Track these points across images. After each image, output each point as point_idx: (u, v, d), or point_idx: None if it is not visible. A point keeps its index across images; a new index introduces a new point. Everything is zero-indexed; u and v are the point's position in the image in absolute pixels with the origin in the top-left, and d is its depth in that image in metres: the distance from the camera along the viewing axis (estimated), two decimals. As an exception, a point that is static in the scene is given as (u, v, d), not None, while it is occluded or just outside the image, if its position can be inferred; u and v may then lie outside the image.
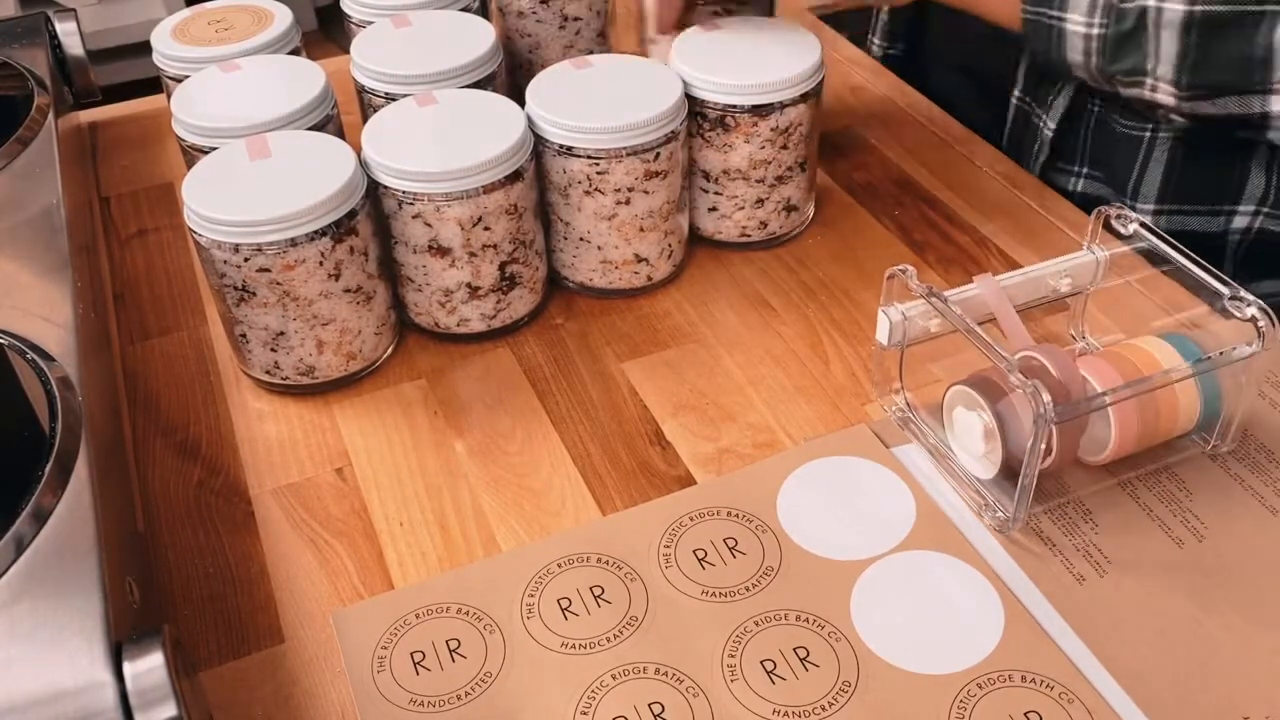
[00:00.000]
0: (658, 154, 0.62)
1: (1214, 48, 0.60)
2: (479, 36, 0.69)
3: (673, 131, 0.62)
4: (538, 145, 0.62)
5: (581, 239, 0.64)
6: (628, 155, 0.61)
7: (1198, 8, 0.60)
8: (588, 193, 0.62)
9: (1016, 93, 0.79)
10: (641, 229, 0.64)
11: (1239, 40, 0.60)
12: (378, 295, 0.61)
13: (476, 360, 0.63)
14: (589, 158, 0.61)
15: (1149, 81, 0.63)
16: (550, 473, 0.56)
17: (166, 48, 0.72)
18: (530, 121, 0.61)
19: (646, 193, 0.63)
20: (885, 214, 0.73)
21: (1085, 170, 0.77)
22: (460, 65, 0.67)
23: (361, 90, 0.69)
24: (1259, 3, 0.59)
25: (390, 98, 0.66)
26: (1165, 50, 0.61)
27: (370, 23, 0.73)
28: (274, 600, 0.51)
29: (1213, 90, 0.62)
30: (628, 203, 0.62)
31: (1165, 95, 0.63)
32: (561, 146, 0.61)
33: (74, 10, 0.83)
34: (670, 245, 0.66)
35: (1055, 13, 0.63)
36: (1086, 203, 0.73)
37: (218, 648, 0.49)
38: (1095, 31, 0.63)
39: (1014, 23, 0.66)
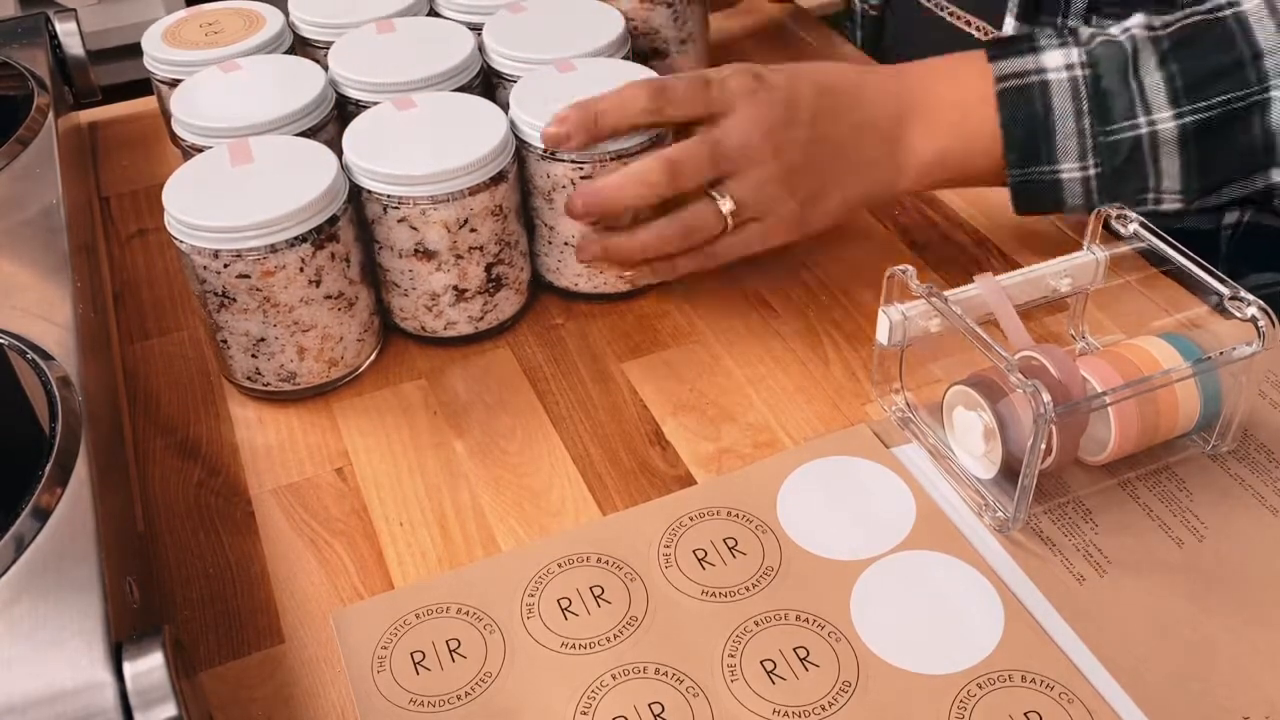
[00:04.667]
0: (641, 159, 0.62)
1: (1215, 150, 0.60)
2: (460, 43, 0.69)
3: (658, 135, 0.62)
4: (521, 150, 0.62)
5: (566, 244, 0.64)
6: (611, 159, 0.61)
7: (1187, 120, 0.59)
8: None
9: None
10: None
11: (1239, 136, 0.59)
12: (360, 301, 0.60)
13: (476, 360, 0.63)
14: (573, 162, 0.61)
15: (1152, 196, 0.62)
16: (550, 473, 0.56)
17: (157, 50, 0.72)
18: (513, 125, 0.61)
19: None
20: (885, 214, 0.73)
21: None
22: (443, 71, 0.66)
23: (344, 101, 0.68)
24: (1243, 98, 0.58)
25: (362, 106, 0.66)
26: (1167, 168, 0.60)
27: (330, 42, 0.71)
28: (274, 600, 0.51)
29: (1219, 184, 0.61)
30: None
31: (1171, 204, 0.62)
32: (546, 150, 0.61)
33: (74, 10, 0.83)
34: None
35: (1046, 167, 0.62)
36: None
37: (218, 648, 0.49)
38: (1091, 173, 0.61)
39: (1000, 183, 0.64)
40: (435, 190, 0.58)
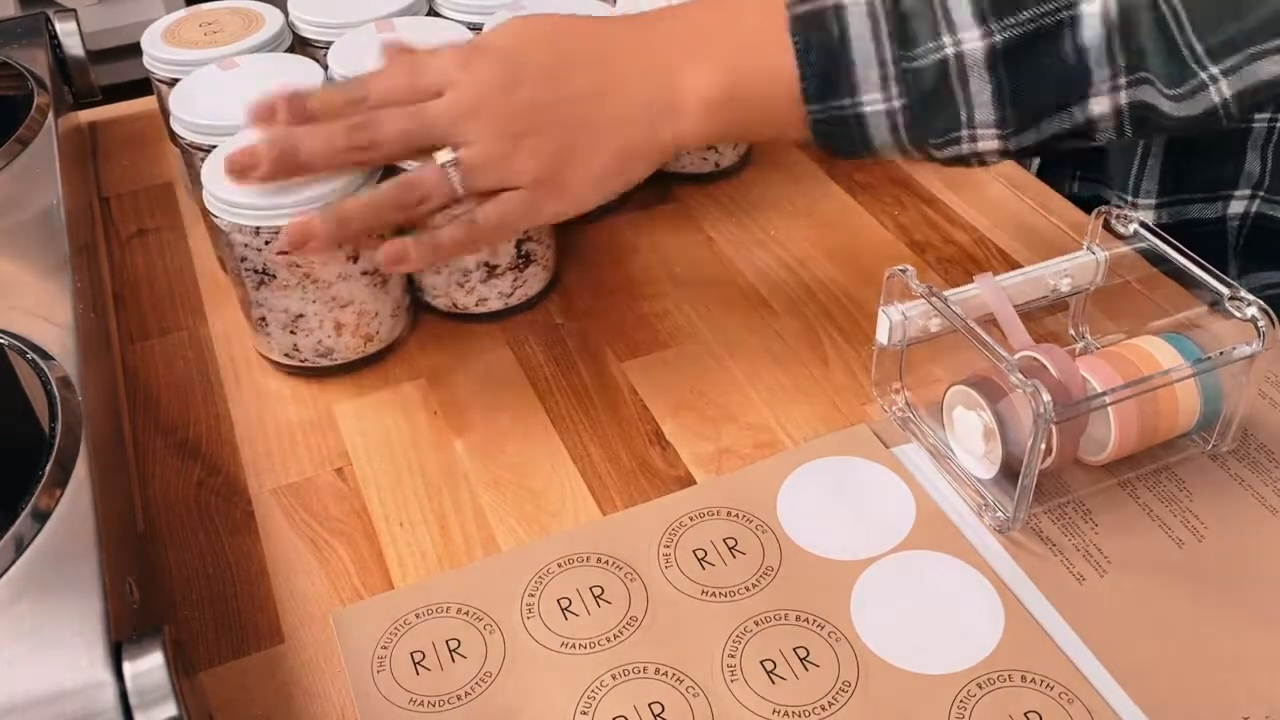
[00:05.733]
0: None
1: (1027, 71, 0.54)
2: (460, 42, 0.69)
3: None
4: None
5: None
6: None
7: (996, 37, 0.53)
8: None
9: None
10: None
11: (1049, 56, 0.53)
12: (394, 278, 0.62)
13: (477, 360, 0.63)
14: None
15: (966, 133, 0.55)
16: (550, 473, 0.56)
17: (156, 50, 0.72)
18: None
19: None
20: (885, 214, 0.73)
21: (1079, 173, 0.77)
22: None
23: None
24: (1052, 13, 0.52)
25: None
26: (978, 94, 0.54)
27: (329, 42, 0.71)
28: (274, 600, 0.51)
29: (1037, 115, 0.55)
30: None
31: (989, 141, 0.55)
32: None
33: (74, 10, 0.83)
34: None
35: (847, 100, 0.55)
36: (1082, 204, 0.73)
37: (218, 648, 0.49)
38: (897, 104, 0.54)
39: (802, 130, 0.56)
40: None
